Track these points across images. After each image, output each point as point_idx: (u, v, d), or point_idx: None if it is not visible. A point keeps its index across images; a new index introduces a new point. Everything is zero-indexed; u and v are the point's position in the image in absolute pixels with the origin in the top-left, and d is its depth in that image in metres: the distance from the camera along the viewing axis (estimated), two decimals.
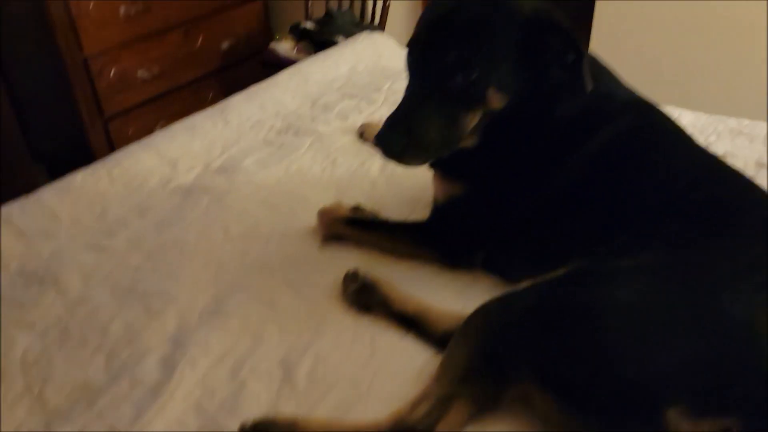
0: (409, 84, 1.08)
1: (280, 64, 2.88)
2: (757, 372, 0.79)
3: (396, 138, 1.03)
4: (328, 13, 2.97)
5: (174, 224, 1.33)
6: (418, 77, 1.06)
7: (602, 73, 1.19)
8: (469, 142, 1.11)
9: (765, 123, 1.62)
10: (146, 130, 2.78)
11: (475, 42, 1.00)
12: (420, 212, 1.36)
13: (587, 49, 1.05)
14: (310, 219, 1.34)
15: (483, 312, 0.96)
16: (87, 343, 1.07)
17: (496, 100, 1.04)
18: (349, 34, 2.85)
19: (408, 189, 1.44)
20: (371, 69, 2.01)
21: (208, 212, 1.36)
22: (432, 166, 1.23)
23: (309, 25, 2.94)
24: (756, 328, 0.82)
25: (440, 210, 1.24)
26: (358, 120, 1.73)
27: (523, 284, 1.00)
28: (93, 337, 1.08)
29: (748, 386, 0.79)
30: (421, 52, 1.05)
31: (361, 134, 1.67)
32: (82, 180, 1.45)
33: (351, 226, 1.28)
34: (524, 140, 1.13)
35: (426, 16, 1.08)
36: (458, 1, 1.04)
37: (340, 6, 3.08)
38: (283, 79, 1.93)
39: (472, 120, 1.06)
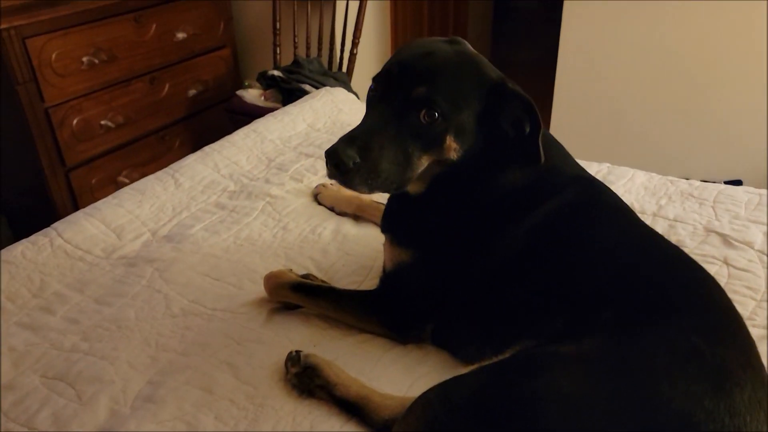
0: (370, 112, 1.07)
1: (248, 111, 2.89)
2: None
3: (349, 153, 0.98)
4: (296, 61, 2.99)
5: (115, 299, 1.29)
6: (381, 107, 1.04)
7: (550, 146, 1.19)
8: (414, 188, 1.11)
9: (715, 185, 1.63)
10: (109, 180, 2.77)
11: (443, 85, 1.02)
12: (371, 281, 1.35)
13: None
14: (257, 291, 1.31)
15: (423, 402, 0.94)
16: None
17: (451, 150, 1.05)
18: (316, 82, 2.87)
19: (360, 257, 1.43)
20: (329, 126, 2.00)
21: (150, 285, 1.33)
22: (383, 231, 1.23)
23: (277, 72, 2.95)
24: (694, 421, 0.80)
25: (389, 277, 1.23)
26: (313, 181, 1.71)
27: (467, 369, 0.99)
28: (19, 429, 1.03)
29: None
30: (387, 85, 1.05)
31: (316, 196, 1.66)
32: (22, 252, 1.40)
33: (297, 292, 1.26)
34: (469, 206, 1.14)
35: (398, 55, 1.10)
36: (433, 49, 1.06)
37: (308, 54, 3.11)
38: (238, 138, 1.91)
39: (425, 162, 1.06)
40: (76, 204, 2.66)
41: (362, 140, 1.00)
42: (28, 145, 2.49)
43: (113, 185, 2.77)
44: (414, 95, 1.01)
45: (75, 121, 2.58)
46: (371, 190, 1.05)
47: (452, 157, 1.06)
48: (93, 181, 2.72)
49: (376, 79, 1.08)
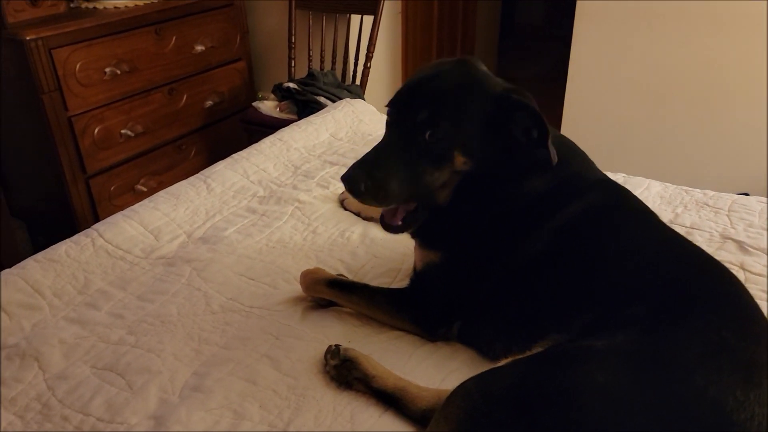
0: (385, 135, 1.17)
1: (263, 122, 2.95)
2: None
3: (361, 177, 1.09)
4: (311, 74, 3.05)
5: (156, 296, 1.34)
6: (392, 132, 1.15)
7: (573, 154, 1.25)
8: (441, 198, 1.18)
9: (729, 195, 1.69)
10: (127, 187, 2.82)
11: (445, 105, 1.10)
12: (400, 282, 1.40)
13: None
14: (291, 290, 1.36)
15: (463, 392, 0.97)
16: (68, 420, 1.07)
17: (461, 163, 1.12)
18: (331, 94, 2.94)
19: (388, 260, 1.48)
20: (351, 136, 2.07)
21: (190, 284, 1.38)
22: (413, 234, 1.28)
23: (292, 84, 3.02)
24: (727, 410, 0.84)
25: (418, 277, 1.28)
26: (338, 187, 1.77)
27: (502, 362, 1.03)
28: (74, 415, 1.08)
29: None
30: (398, 110, 1.15)
31: (342, 202, 1.71)
32: (66, 251, 1.46)
33: (332, 288, 1.31)
34: (494, 210, 1.20)
35: (408, 81, 1.19)
36: (439, 72, 1.15)
37: (322, 67, 3.17)
38: (265, 146, 1.97)
39: (440, 177, 1.13)
40: (95, 211, 2.70)
41: (372, 164, 1.11)
42: (50, 152, 2.54)
43: (131, 192, 2.82)
44: (419, 119, 1.10)
45: (96, 130, 2.63)
46: (383, 205, 1.16)
47: (464, 169, 1.13)
48: (112, 188, 2.77)
49: (389, 105, 1.18)
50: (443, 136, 1.09)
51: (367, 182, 1.09)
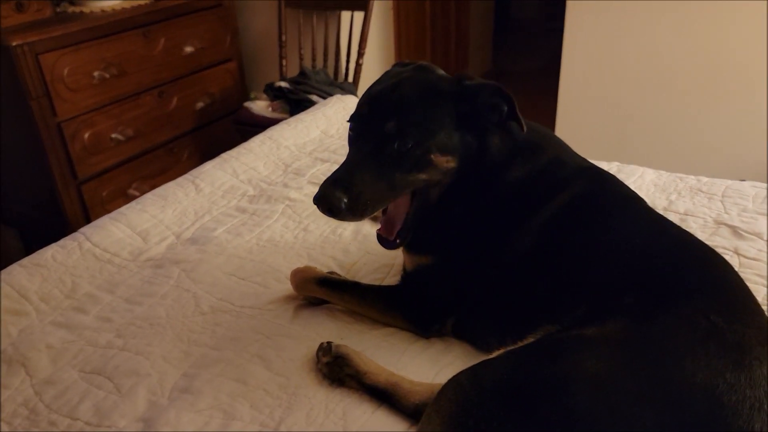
0: (350, 151, 1.14)
1: (255, 122, 2.93)
2: None
3: (336, 195, 1.06)
4: (303, 72, 3.04)
5: (144, 299, 1.33)
6: (359, 144, 1.12)
7: (549, 140, 1.25)
8: (434, 197, 1.17)
9: (722, 180, 1.68)
10: (120, 192, 2.81)
11: (410, 112, 1.09)
12: (393, 278, 1.39)
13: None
14: (283, 289, 1.35)
15: (455, 385, 0.96)
16: (56, 425, 1.05)
17: (443, 162, 1.11)
18: (323, 92, 2.92)
19: (381, 255, 1.46)
20: (342, 133, 2.05)
21: (179, 285, 1.36)
22: None
23: (283, 83, 3.00)
24: (717, 393, 0.83)
25: (409, 277, 1.27)
26: None
27: (494, 354, 1.02)
28: (61, 420, 1.06)
29: None
30: (362, 124, 1.13)
31: None
32: (52, 255, 1.44)
33: (322, 286, 1.30)
34: (480, 208, 1.19)
35: (368, 93, 1.17)
36: (398, 80, 1.14)
37: (314, 65, 3.16)
38: (255, 144, 1.96)
39: (418, 182, 1.12)
40: (87, 216, 2.69)
41: (345, 180, 1.08)
42: (40, 158, 2.53)
43: (123, 197, 2.80)
44: (387, 130, 1.08)
45: (86, 135, 2.62)
46: (364, 218, 1.12)
47: (451, 167, 1.12)
48: (104, 193, 2.76)
49: (351, 120, 1.15)
50: (415, 142, 1.08)
51: (344, 199, 1.06)
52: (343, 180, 1.08)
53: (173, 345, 1.21)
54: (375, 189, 1.09)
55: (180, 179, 1.78)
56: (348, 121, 1.16)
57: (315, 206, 1.63)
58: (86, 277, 1.40)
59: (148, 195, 1.70)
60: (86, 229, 1.55)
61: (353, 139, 1.15)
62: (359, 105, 1.16)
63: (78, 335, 1.24)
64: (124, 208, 1.64)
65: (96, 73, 2.60)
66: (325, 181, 1.09)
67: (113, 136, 2.72)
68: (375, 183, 1.09)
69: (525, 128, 1.12)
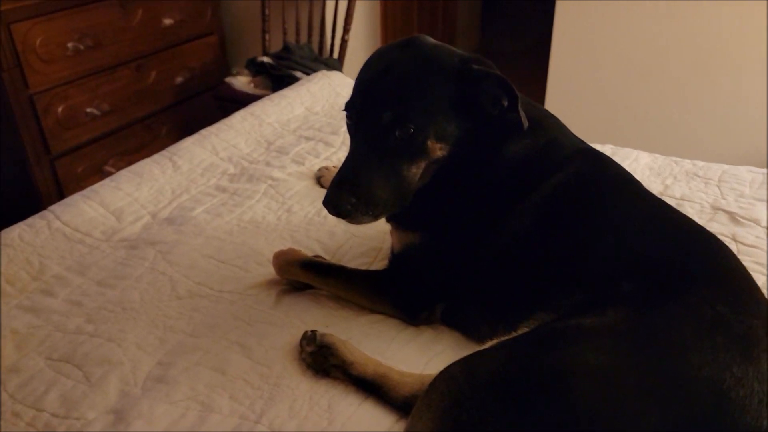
0: (351, 144, 1.09)
1: (237, 98, 2.85)
2: None
3: (344, 197, 1.03)
4: (286, 47, 2.96)
5: (117, 282, 1.26)
6: (359, 137, 1.07)
7: (548, 120, 1.20)
8: (421, 183, 1.11)
9: (718, 165, 1.64)
10: (95, 169, 2.72)
11: (407, 99, 1.03)
12: (380, 262, 1.34)
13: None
14: (265, 273, 1.29)
15: (447, 377, 0.92)
16: (19, 417, 0.99)
17: (438, 150, 1.06)
18: (307, 68, 2.84)
19: (368, 238, 1.41)
20: (328, 110, 1.98)
21: (154, 267, 1.30)
22: (388, 220, 1.22)
23: (266, 59, 2.92)
24: (724, 388, 0.80)
25: (397, 259, 1.22)
26: (315, 164, 1.69)
27: (488, 344, 0.97)
28: (26, 411, 1.00)
29: None
30: (358, 114, 1.08)
31: (319, 179, 1.63)
32: (19, 234, 1.36)
33: (306, 270, 1.24)
34: (473, 186, 1.14)
35: (360, 79, 1.10)
36: (389, 62, 1.07)
37: (298, 40, 3.07)
38: (236, 121, 1.88)
39: (417, 171, 1.07)
40: (61, 194, 2.60)
41: (351, 181, 1.04)
42: (12, 132, 2.43)
43: (99, 174, 2.71)
44: (384, 121, 1.02)
45: (60, 109, 2.53)
46: (378, 218, 1.08)
47: (442, 155, 1.07)
48: (79, 170, 2.67)
49: (346, 108, 1.10)
50: (414, 131, 1.03)
51: (351, 200, 1.02)
52: (349, 180, 1.04)
53: (147, 331, 1.15)
54: (384, 186, 1.04)
55: (157, 156, 1.70)
56: (345, 109, 1.10)
57: (299, 186, 1.59)
58: (55, 258, 1.32)
59: (123, 172, 1.61)
60: (56, 207, 1.47)
61: (352, 132, 1.10)
62: (353, 94, 1.10)
63: (45, 320, 1.17)
64: (96, 186, 1.56)
65: (70, 44, 2.50)
66: (332, 183, 1.05)
67: (88, 110, 2.63)
68: (383, 179, 1.04)
69: (526, 125, 1.06)
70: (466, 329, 1.17)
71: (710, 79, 2.62)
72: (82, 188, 2.43)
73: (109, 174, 2.66)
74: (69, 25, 2.48)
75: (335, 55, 3.06)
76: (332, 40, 3.04)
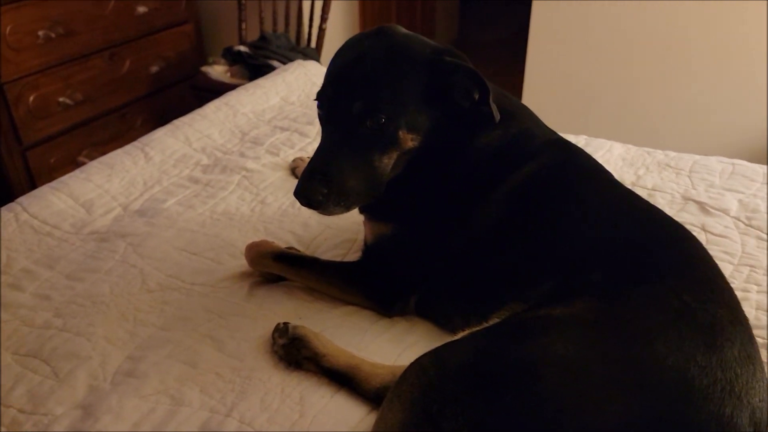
0: (323, 134, 1.08)
1: (213, 88, 2.82)
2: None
3: (315, 187, 1.02)
4: (263, 37, 2.92)
5: (87, 275, 1.24)
6: (330, 127, 1.07)
7: (520, 111, 1.20)
8: (393, 174, 1.11)
9: (690, 155, 1.65)
10: (69, 159, 2.68)
11: (378, 90, 1.03)
12: (355, 254, 1.34)
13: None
14: (237, 265, 1.28)
15: (417, 368, 0.92)
16: None
17: (409, 141, 1.06)
18: (284, 57, 2.81)
19: (342, 230, 1.40)
20: (304, 100, 1.96)
21: (125, 260, 1.28)
22: (361, 211, 1.21)
23: (243, 48, 2.88)
24: (689, 377, 0.81)
25: (371, 251, 1.22)
26: (289, 155, 1.67)
27: (460, 335, 0.98)
28: None
29: None
30: (329, 103, 1.06)
31: (294, 170, 1.62)
32: None
33: (279, 262, 1.23)
34: (445, 177, 1.14)
35: (331, 68, 1.09)
36: (360, 52, 1.05)
37: (275, 29, 3.04)
38: (209, 111, 1.85)
39: (389, 161, 1.07)
40: (34, 185, 2.56)
41: (323, 171, 1.02)
42: None
43: (73, 165, 2.67)
44: (355, 111, 1.02)
45: (31, 98, 2.49)
46: (350, 209, 1.08)
47: (414, 146, 1.07)
48: (52, 160, 2.63)
49: (318, 98, 1.09)
50: (386, 121, 1.02)
51: (323, 190, 1.01)
52: (320, 170, 1.03)
53: (117, 325, 1.13)
54: (355, 176, 1.03)
55: (128, 147, 1.67)
56: (316, 99, 1.09)
57: (273, 177, 1.58)
58: (23, 251, 1.30)
59: (94, 163, 1.59)
60: (24, 199, 1.44)
61: (323, 122, 1.09)
62: (324, 84, 1.08)
63: (12, 314, 1.15)
64: (66, 177, 1.53)
65: (41, 32, 2.46)
66: (303, 173, 1.04)
67: (61, 99, 2.59)
68: (354, 169, 1.03)
69: (497, 118, 1.06)
70: (440, 320, 1.17)
71: (687, 69, 2.64)
72: (55, 179, 2.40)
73: (84, 165, 2.63)
74: (39, 13, 2.44)
75: (313, 44, 3.03)
76: (309, 29, 3.01)
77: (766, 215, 1.39)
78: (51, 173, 2.59)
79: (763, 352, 1.02)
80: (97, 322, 1.13)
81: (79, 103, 2.65)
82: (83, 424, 0.95)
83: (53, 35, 2.49)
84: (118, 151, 1.65)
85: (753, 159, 1.72)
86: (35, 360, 1.06)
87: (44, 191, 1.47)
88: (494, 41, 4.77)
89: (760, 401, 0.84)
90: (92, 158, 2.67)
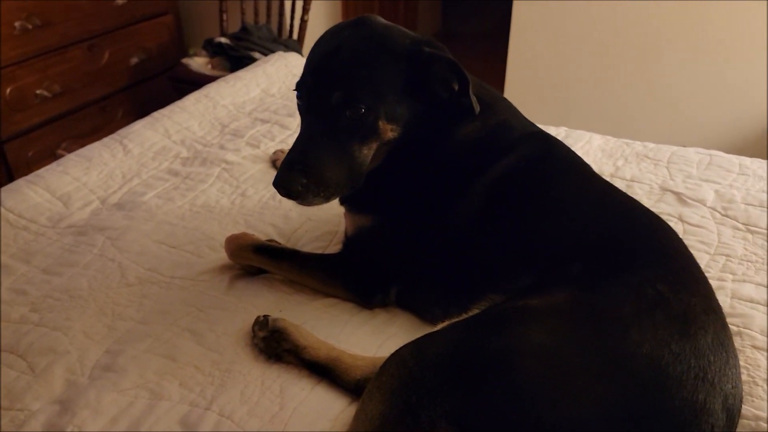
0: (302, 124, 1.08)
1: (194, 80, 2.79)
2: (668, 419, 0.79)
3: (294, 178, 1.01)
4: (244, 28, 2.90)
5: (64, 269, 1.23)
6: (310, 117, 1.06)
7: (500, 103, 1.20)
8: (373, 165, 1.11)
9: (668, 147, 1.67)
10: (48, 152, 2.64)
11: (358, 79, 1.02)
12: (336, 246, 1.33)
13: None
14: (217, 258, 1.27)
15: (397, 359, 0.92)
16: None
17: (389, 131, 1.06)
18: (266, 49, 2.79)
19: (323, 222, 1.40)
20: (284, 92, 1.95)
21: (103, 254, 1.27)
22: (341, 202, 1.21)
23: (224, 39, 2.86)
24: (662, 364, 0.83)
25: (351, 242, 1.22)
26: (270, 147, 1.66)
27: (438, 326, 0.98)
28: None
29: None
30: (308, 93, 1.06)
31: (274, 162, 1.61)
32: None
33: (259, 254, 1.23)
34: (425, 169, 1.14)
35: (311, 58, 1.09)
36: (339, 42, 1.05)
37: (256, 21, 3.01)
38: (189, 103, 1.84)
39: (369, 152, 1.07)
40: (12, 178, 2.52)
41: (301, 161, 1.02)
42: None
43: (52, 158, 2.63)
44: (334, 101, 1.02)
45: (8, 90, 2.45)
46: (330, 200, 1.07)
47: (393, 137, 1.07)
48: (30, 153, 2.59)
49: (297, 88, 1.08)
50: (365, 111, 1.02)
51: (302, 180, 1.01)
52: (299, 161, 1.02)
53: (96, 319, 1.12)
54: (334, 166, 1.03)
55: (106, 139, 1.65)
56: (295, 89, 1.08)
57: (254, 170, 1.57)
58: None
59: (71, 156, 1.57)
60: None
61: (303, 112, 1.08)
62: (303, 74, 1.08)
63: None
64: (42, 170, 1.51)
65: (17, 23, 2.42)
66: (282, 163, 1.03)
67: (38, 92, 2.55)
68: (334, 159, 1.03)
69: (477, 110, 1.07)
70: (420, 311, 1.17)
71: (665, 64, 2.66)
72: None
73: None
74: (15, 4, 2.40)
75: (294, 35, 3.02)
76: (291, 20, 2.99)
77: (741, 205, 1.41)
78: (29, 167, 2.56)
79: (736, 340, 1.04)
80: (74, 316, 1.12)
81: (58, 95, 2.61)
82: (60, 420, 0.94)
83: (30, 26, 2.45)
84: (96, 144, 1.63)
85: (729, 150, 1.75)
86: (11, 355, 1.05)
87: (20, 185, 1.45)
88: (476, 33, 4.78)
89: (732, 387, 0.85)
90: (71, 151, 2.65)
